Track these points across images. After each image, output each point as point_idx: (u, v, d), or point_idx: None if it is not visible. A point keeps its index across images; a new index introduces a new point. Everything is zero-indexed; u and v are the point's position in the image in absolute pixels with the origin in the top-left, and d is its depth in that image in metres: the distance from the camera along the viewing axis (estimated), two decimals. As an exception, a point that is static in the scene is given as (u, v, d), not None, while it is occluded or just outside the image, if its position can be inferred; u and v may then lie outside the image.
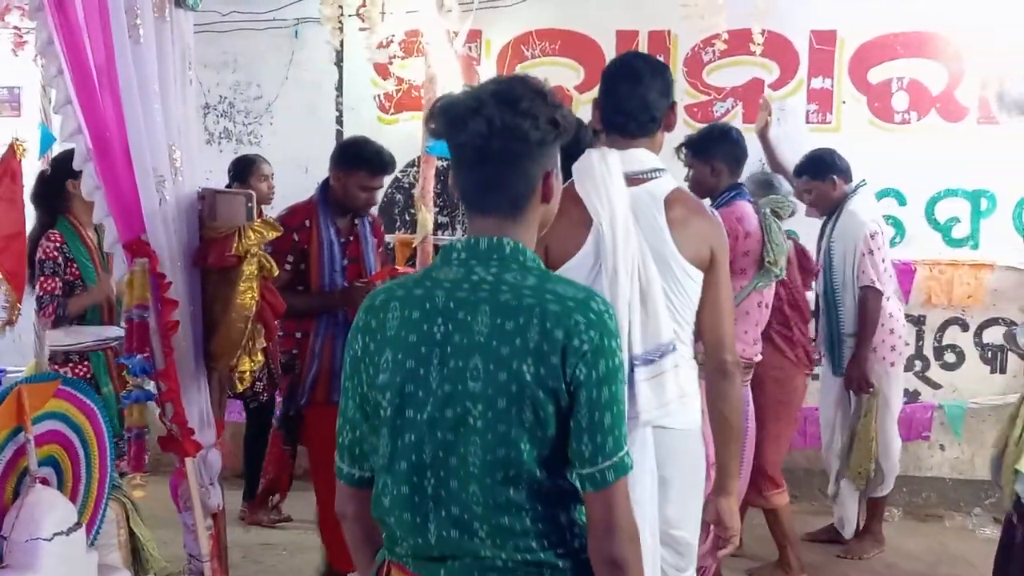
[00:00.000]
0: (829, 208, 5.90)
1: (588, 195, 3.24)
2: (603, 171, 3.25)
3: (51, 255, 4.91)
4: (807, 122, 6.87)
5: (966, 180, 6.79)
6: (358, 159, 4.94)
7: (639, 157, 3.34)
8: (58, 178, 4.98)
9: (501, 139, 2.03)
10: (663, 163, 3.39)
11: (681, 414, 3.31)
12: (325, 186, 5.03)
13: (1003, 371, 6.86)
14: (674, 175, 3.44)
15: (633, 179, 3.29)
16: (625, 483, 2.04)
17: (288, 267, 4.78)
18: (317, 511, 5.01)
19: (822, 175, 5.84)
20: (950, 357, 6.89)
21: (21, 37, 7.20)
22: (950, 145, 6.74)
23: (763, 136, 6.28)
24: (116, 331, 5.03)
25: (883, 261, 5.78)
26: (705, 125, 5.87)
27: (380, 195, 5.07)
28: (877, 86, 6.85)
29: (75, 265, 4.94)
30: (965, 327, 6.85)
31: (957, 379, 6.88)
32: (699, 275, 3.30)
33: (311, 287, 4.89)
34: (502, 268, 2.05)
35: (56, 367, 4.83)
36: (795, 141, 6.46)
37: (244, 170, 6.39)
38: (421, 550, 2.07)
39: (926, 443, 6.87)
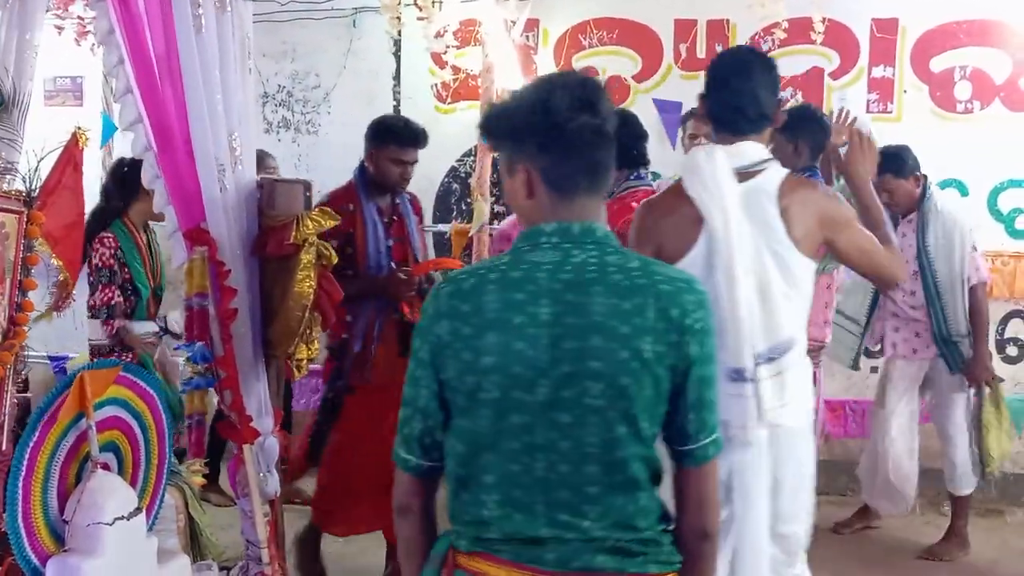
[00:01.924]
0: (909, 207, 5.78)
1: (698, 194, 3.24)
2: (711, 169, 3.26)
3: (107, 263, 4.99)
4: (868, 111, 6.77)
5: (1030, 171, 6.69)
6: (386, 133, 4.96)
7: (746, 151, 3.33)
8: (137, 175, 5.02)
9: (608, 126, 2.12)
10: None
11: (797, 412, 3.35)
12: (362, 168, 5.04)
13: (1067, 365, 6.75)
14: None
15: (743, 174, 3.28)
16: (717, 460, 2.17)
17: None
18: (319, 485, 5.07)
19: (905, 172, 5.72)
20: (1012, 350, 6.79)
21: (84, 27, 7.27)
22: (1014, 135, 6.64)
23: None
24: (153, 326, 5.13)
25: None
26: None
27: (413, 171, 5.05)
28: (939, 75, 6.75)
29: (127, 269, 5.04)
30: (1028, 320, 6.75)
31: (1020, 373, 6.78)
32: (812, 266, 3.31)
33: (359, 270, 4.89)
34: (601, 251, 2.11)
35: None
36: (855, 131, 6.38)
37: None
38: (523, 531, 2.07)
39: (987, 437, 6.76)
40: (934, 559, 5.82)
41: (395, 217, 5.07)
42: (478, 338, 2.05)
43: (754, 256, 3.21)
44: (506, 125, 2.17)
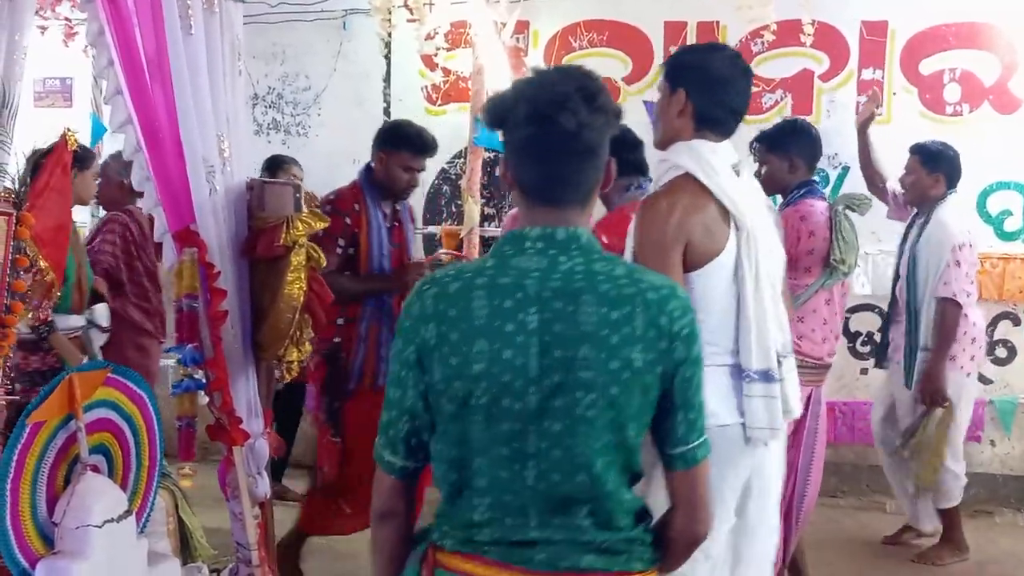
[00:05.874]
0: (920, 204, 5.71)
1: (723, 190, 3.07)
2: (723, 167, 3.12)
3: None
4: (857, 114, 6.79)
5: (1019, 172, 6.71)
6: (401, 139, 4.97)
7: (730, 149, 3.21)
8: None
9: (588, 133, 2.06)
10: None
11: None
12: (368, 170, 5.04)
13: (1055, 366, 6.76)
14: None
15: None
16: (708, 462, 2.17)
17: (339, 251, 4.80)
18: (317, 490, 5.11)
19: (931, 166, 5.65)
20: (1001, 352, 6.81)
21: (72, 28, 7.27)
22: (1003, 137, 6.66)
23: (863, 130, 6.01)
24: (80, 320, 5.11)
25: (966, 275, 5.55)
26: (781, 119, 5.74)
27: (420, 178, 5.08)
28: (929, 77, 6.77)
29: None
30: (1017, 322, 6.77)
31: (1008, 374, 6.79)
32: None
33: (359, 272, 4.88)
34: (587, 258, 2.09)
35: (25, 354, 4.78)
36: (845, 134, 6.40)
37: (275, 168, 6.39)
38: (513, 534, 2.08)
39: (976, 439, 6.77)
40: (927, 563, 5.79)
41: (396, 223, 5.07)
42: (466, 344, 2.04)
43: (767, 254, 3.16)
44: (491, 118, 2.16)
